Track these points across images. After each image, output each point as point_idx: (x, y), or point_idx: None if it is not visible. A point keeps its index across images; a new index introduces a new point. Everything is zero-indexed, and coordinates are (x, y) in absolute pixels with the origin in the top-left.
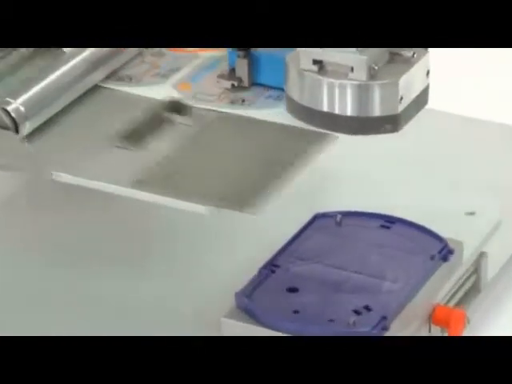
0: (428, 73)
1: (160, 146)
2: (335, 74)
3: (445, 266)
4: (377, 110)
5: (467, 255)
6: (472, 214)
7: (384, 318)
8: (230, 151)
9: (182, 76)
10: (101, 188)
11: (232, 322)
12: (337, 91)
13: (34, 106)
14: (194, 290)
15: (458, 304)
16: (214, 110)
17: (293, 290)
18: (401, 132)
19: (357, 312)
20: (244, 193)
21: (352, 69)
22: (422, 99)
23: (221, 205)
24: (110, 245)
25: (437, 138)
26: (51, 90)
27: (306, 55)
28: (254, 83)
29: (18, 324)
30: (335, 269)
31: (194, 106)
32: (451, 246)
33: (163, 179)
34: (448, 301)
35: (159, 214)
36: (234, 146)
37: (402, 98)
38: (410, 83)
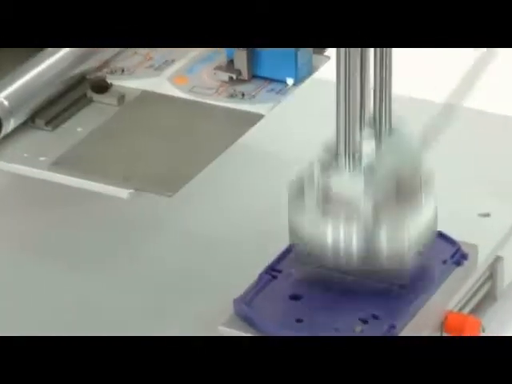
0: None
1: (78, 126)
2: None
3: (458, 271)
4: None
5: (482, 259)
6: (487, 215)
7: (392, 326)
8: (155, 132)
9: (177, 68)
10: (15, 171)
11: (230, 330)
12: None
13: (18, 101)
14: (190, 295)
15: (472, 311)
16: (136, 89)
17: (296, 297)
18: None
19: (364, 321)
20: (164, 175)
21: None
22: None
23: (140, 187)
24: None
25: (448, 134)
26: (36, 84)
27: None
28: (254, 76)
29: (19, 324)
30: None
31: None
32: (465, 249)
33: (82, 161)
34: (461, 308)
35: (147, 209)
36: (159, 126)
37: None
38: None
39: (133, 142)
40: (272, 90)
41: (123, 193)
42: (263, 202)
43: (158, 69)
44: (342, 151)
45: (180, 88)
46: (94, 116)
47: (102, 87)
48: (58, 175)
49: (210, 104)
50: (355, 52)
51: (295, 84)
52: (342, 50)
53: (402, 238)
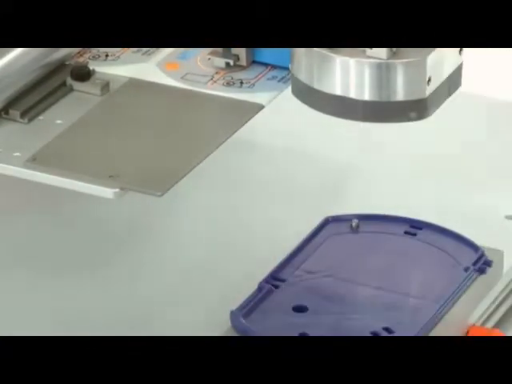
0: (461, 50)
1: (57, 118)
2: (350, 52)
3: (481, 279)
4: (400, 94)
5: (508, 267)
6: None
7: None
8: (143, 124)
9: (168, 53)
10: None
11: None
12: (352, 71)
13: None
14: (186, 304)
15: (497, 325)
16: (123, 76)
17: (300, 308)
18: (428, 119)
19: (376, 335)
20: (154, 172)
21: None
22: (454, 81)
23: (126, 186)
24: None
25: (471, 125)
26: (10, 71)
27: None
28: (253, 62)
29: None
30: (350, 283)
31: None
32: (489, 256)
33: (62, 157)
34: (485, 321)
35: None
36: (148, 118)
37: (430, 80)
38: (439, 62)
39: (118, 135)
40: (274, 77)
41: (108, 192)
42: (261, 201)
43: (147, 53)
44: None
45: (171, 75)
46: (74, 106)
47: (84, 74)
48: (34, 172)
49: (204, 93)
50: None
51: None
52: None
53: (423, 64)
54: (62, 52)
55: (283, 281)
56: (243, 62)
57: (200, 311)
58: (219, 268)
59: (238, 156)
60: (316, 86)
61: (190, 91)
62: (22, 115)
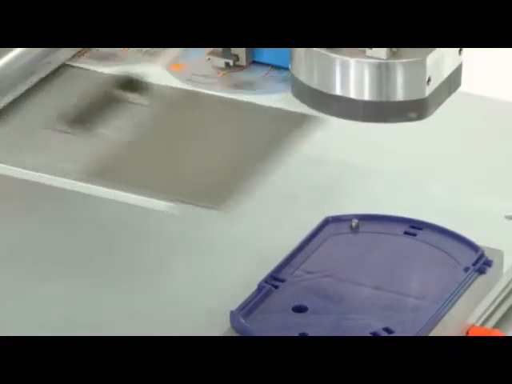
0: (461, 50)
1: (108, 130)
2: (350, 52)
3: (481, 279)
4: (400, 94)
5: (508, 267)
6: None
7: None
8: (199, 137)
9: (173, 53)
10: (37, 180)
11: None
12: (352, 71)
13: None
14: (184, 305)
15: (497, 326)
16: (178, 88)
17: (299, 308)
18: (428, 120)
19: (376, 335)
20: (215, 187)
21: None
22: (454, 81)
23: (185, 201)
24: (79, 251)
25: (471, 126)
26: (12, 71)
27: None
28: (253, 61)
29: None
30: (350, 283)
31: (161, 84)
32: (489, 256)
33: (115, 170)
34: (485, 321)
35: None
36: (202, 130)
37: (429, 80)
38: (439, 62)
39: (173, 147)
40: (273, 77)
41: (165, 206)
42: (261, 201)
43: (152, 54)
44: None
45: (178, 76)
46: (127, 118)
47: (137, 85)
48: (88, 185)
49: (256, 105)
50: None
51: None
52: None
53: (423, 64)
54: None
55: (283, 281)
56: (243, 62)
57: (200, 311)
58: (219, 268)
59: (297, 167)
60: (316, 86)
61: (244, 102)
62: (74, 127)
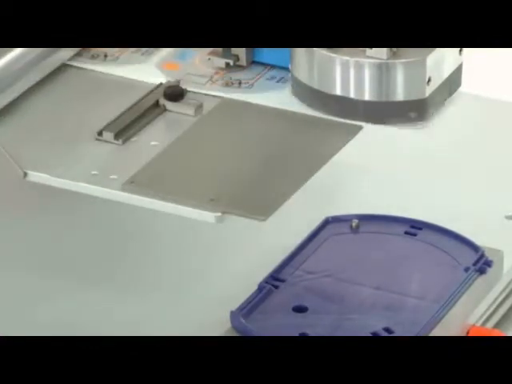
0: (461, 50)
1: (151, 140)
2: (350, 52)
3: (481, 279)
4: (400, 94)
5: (508, 267)
6: None
7: None
8: (232, 145)
9: (167, 53)
10: (82, 190)
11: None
12: (352, 71)
13: None
14: (185, 306)
15: (497, 326)
16: (210, 95)
17: (300, 308)
18: (428, 119)
19: (376, 335)
20: (252, 195)
21: None
22: (454, 81)
23: (228, 210)
24: (92, 258)
25: (471, 127)
26: (11, 71)
27: None
28: (252, 61)
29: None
30: (350, 283)
31: (189, 90)
32: (489, 256)
33: (159, 180)
34: (485, 321)
35: (145, 219)
36: (236, 138)
37: (429, 80)
38: (439, 62)
39: (215, 157)
40: (272, 77)
41: (210, 216)
42: None
43: (146, 53)
44: None
45: (171, 75)
46: (169, 127)
47: (177, 95)
48: (133, 196)
49: (298, 113)
50: None
51: None
52: None
53: (422, 70)
54: (61, 52)
55: (283, 281)
56: (243, 62)
57: (200, 311)
58: (219, 268)
59: (340, 175)
60: (316, 86)
61: (283, 111)
62: (117, 137)
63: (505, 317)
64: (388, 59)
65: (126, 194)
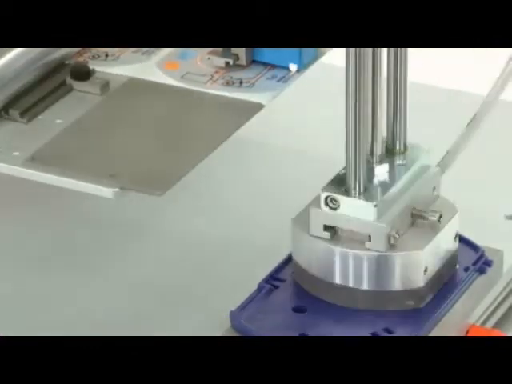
0: (457, 236)
1: (57, 118)
2: (350, 243)
3: (481, 279)
4: (397, 284)
5: (508, 267)
6: None
7: None
8: (135, 123)
9: (168, 52)
10: None
11: None
12: (351, 263)
13: None
14: (184, 305)
15: (497, 325)
16: (122, 76)
17: (299, 309)
18: (427, 119)
19: (376, 335)
20: (150, 171)
21: (369, 237)
22: (449, 266)
23: (126, 186)
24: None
25: (467, 122)
26: (10, 71)
27: (316, 219)
28: (253, 61)
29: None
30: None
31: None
32: (489, 256)
33: (61, 156)
34: (485, 321)
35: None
36: (139, 116)
37: (426, 270)
38: (435, 252)
39: (118, 135)
40: (273, 77)
41: (108, 192)
42: (260, 201)
43: (147, 53)
44: (351, 180)
45: (171, 74)
46: (74, 106)
47: (84, 74)
48: (34, 172)
49: (203, 92)
50: (366, 60)
51: (299, 70)
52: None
53: (419, 261)
54: (62, 51)
55: (283, 281)
56: (243, 61)
57: (200, 311)
58: (219, 268)
59: (237, 155)
60: (315, 273)
61: (190, 90)
62: (22, 115)
63: (504, 316)
64: (386, 251)
65: (28, 170)
